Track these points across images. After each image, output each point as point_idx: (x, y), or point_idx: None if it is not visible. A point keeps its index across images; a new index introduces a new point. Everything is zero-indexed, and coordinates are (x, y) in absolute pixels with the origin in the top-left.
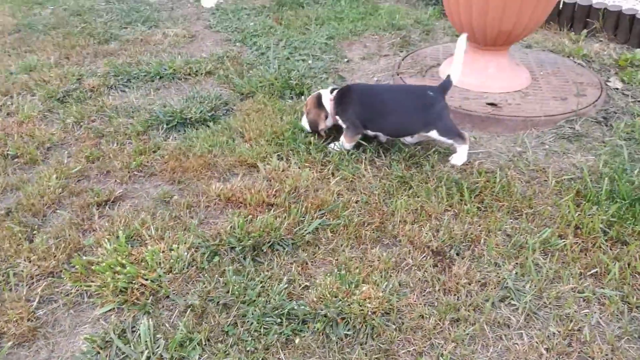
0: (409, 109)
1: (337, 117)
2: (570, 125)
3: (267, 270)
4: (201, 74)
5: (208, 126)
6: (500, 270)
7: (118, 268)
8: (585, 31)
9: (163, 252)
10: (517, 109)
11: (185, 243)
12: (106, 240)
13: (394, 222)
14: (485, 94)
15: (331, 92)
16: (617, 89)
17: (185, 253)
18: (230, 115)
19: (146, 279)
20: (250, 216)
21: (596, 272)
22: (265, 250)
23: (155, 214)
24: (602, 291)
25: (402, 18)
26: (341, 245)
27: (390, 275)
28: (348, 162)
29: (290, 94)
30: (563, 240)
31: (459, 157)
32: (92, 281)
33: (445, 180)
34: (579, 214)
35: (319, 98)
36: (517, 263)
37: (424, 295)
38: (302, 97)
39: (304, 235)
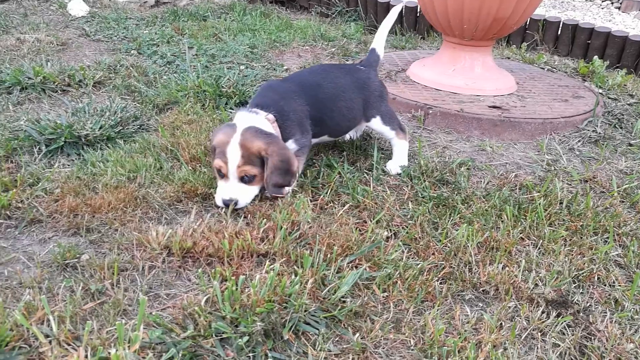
0: (351, 93)
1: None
2: (590, 128)
3: None
4: (87, 84)
5: (117, 145)
6: None
7: None
8: (525, 44)
9: None
10: (527, 111)
11: (130, 342)
12: None
13: (464, 263)
14: (480, 97)
15: (257, 112)
16: (601, 93)
17: None
18: (147, 131)
19: None
20: (242, 277)
21: None
22: (286, 338)
23: (53, 290)
24: None
25: (327, 31)
26: (407, 310)
27: (514, 352)
28: (349, 183)
29: (227, 102)
30: None
31: (399, 159)
32: None
33: (497, 199)
34: None
35: (253, 129)
36: None
37: None
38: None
39: (343, 301)
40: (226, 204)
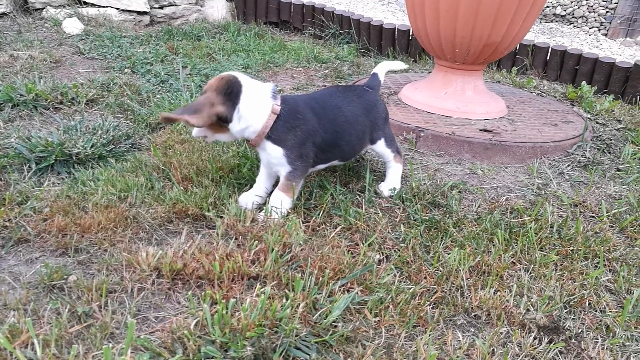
0: (364, 117)
1: (270, 144)
2: (580, 153)
3: None
4: (79, 102)
5: (108, 164)
6: None
7: None
8: (515, 69)
9: None
10: (517, 135)
11: None
12: None
13: (456, 288)
14: (472, 120)
15: (274, 96)
16: (590, 118)
17: None
18: (139, 150)
19: None
20: (233, 300)
21: None
22: None
23: (39, 312)
24: None
25: (320, 53)
26: (399, 335)
27: None
28: (341, 205)
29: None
30: None
31: (392, 182)
32: None
33: (488, 222)
34: None
35: (234, 86)
36: None
37: None
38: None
39: (334, 326)
40: None
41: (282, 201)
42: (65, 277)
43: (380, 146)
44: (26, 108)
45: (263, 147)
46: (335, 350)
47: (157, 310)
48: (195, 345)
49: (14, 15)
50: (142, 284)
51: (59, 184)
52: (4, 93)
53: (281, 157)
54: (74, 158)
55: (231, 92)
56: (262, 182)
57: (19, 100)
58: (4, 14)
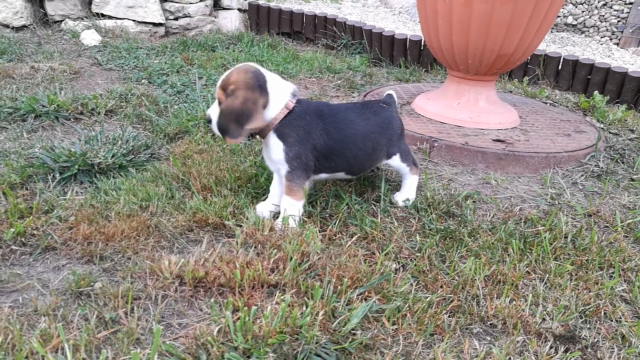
0: (378, 135)
1: (274, 138)
2: (593, 163)
3: None
4: (99, 113)
5: (129, 174)
6: None
7: None
8: (527, 78)
9: None
10: (530, 145)
11: None
12: None
13: (472, 297)
14: (485, 131)
15: (294, 94)
16: (602, 128)
17: None
18: (158, 160)
19: None
20: (254, 307)
21: None
22: None
23: (67, 318)
24: None
25: (333, 63)
26: (416, 343)
27: None
28: (357, 214)
29: None
30: None
31: (408, 192)
32: None
33: (503, 232)
34: None
35: (261, 77)
36: None
37: None
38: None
39: (353, 333)
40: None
41: (290, 205)
42: (91, 284)
43: (396, 161)
44: (48, 119)
45: (268, 139)
46: (354, 357)
47: (180, 317)
48: (218, 351)
49: (34, 28)
50: (165, 291)
51: (82, 193)
52: (27, 104)
53: (280, 153)
54: (96, 168)
55: (261, 85)
56: (275, 190)
57: (41, 111)
58: (24, 26)
